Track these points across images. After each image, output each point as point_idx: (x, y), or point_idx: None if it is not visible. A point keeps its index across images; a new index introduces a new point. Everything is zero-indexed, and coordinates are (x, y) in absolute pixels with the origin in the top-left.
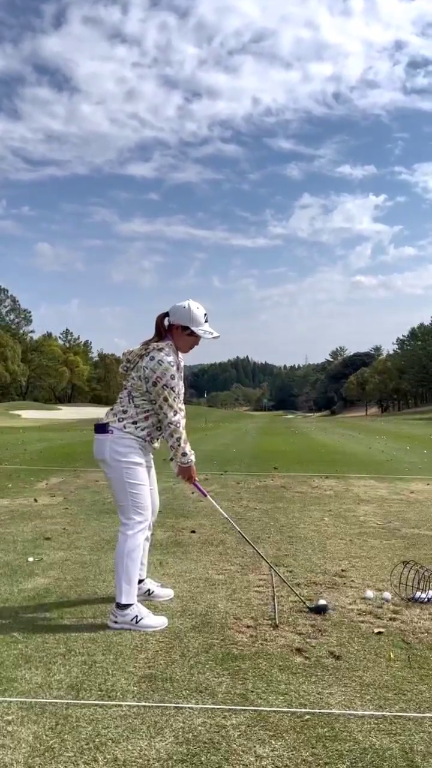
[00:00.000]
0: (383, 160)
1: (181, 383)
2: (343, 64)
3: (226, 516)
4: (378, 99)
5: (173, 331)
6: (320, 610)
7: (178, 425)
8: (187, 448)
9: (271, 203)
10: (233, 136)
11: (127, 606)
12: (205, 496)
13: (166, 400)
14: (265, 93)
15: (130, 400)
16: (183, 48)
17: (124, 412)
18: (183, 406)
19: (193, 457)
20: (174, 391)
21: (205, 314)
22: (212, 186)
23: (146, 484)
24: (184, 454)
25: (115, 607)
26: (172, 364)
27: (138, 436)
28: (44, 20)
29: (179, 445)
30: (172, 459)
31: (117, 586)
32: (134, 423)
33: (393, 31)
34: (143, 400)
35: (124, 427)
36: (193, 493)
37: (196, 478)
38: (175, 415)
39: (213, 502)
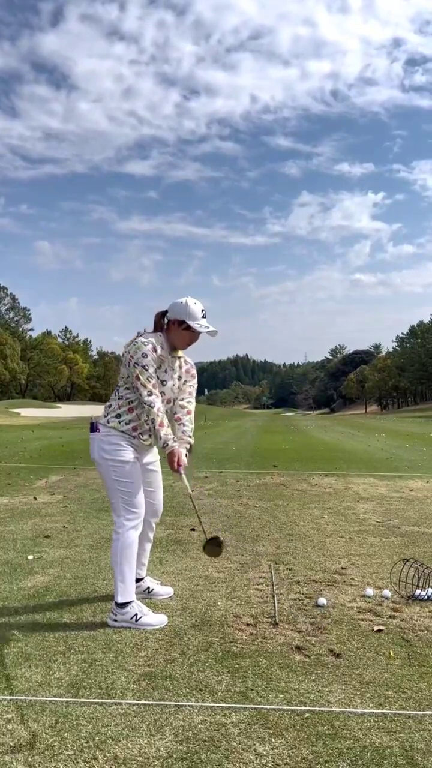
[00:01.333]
0: (382, 158)
1: (192, 382)
2: (341, 61)
3: (191, 493)
4: (376, 96)
5: (170, 326)
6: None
7: (152, 405)
8: (162, 432)
9: (269, 201)
10: (231, 133)
11: (125, 604)
12: (180, 475)
13: (138, 378)
14: (263, 90)
15: (116, 392)
16: (181, 45)
17: (109, 405)
18: (187, 404)
19: (171, 442)
20: (147, 371)
21: (203, 310)
22: (211, 184)
23: (136, 482)
24: (159, 438)
25: (114, 605)
26: (145, 344)
27: (122, 431)
28: (42, 18)
29: (155, 428)
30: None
31: (114, 585)
32: (117, 416)
33: (391, 29)
34: (126, 389)
35: (108, 422)
36: (193, 491)
37: (182, 467)
38: (149, 395)
39: (183, 477)
